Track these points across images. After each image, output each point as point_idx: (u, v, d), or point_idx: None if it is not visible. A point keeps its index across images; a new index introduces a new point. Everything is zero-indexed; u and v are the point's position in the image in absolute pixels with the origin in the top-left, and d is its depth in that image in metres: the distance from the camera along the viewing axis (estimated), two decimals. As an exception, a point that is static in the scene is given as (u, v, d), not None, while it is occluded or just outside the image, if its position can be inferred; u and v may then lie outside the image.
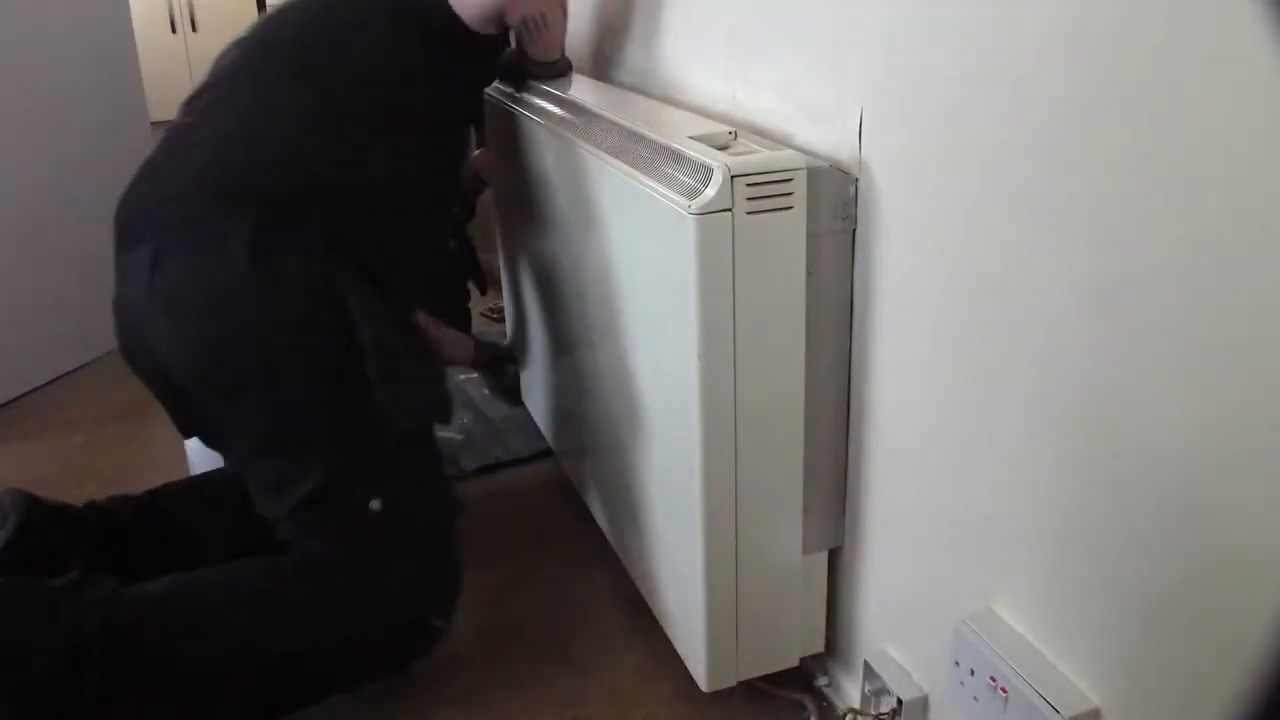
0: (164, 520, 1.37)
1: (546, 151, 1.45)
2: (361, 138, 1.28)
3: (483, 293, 2.23)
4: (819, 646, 1.24)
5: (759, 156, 1.02)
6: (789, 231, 1.02)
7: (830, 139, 1.07)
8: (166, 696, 1.15)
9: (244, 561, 1.24)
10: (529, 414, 1.91)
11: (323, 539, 1.22)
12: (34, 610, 1.11)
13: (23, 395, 2.36)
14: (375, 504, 1.20)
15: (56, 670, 1.09)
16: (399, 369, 1.18)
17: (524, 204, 1.64)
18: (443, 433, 1.85)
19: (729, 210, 0.99)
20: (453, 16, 1.39)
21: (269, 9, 1.45)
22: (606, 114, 1.28)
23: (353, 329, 1.15)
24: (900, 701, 1.08)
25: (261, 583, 1.23)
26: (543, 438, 1.82)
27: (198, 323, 1.16)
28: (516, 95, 1.59)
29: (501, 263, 1.94)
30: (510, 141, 1.63)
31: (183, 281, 1.15)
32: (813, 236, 1.04)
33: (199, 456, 1.59)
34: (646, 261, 1.14)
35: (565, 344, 1.56)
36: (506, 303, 1.95)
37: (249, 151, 1.22)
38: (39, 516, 1.28)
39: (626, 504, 1.37)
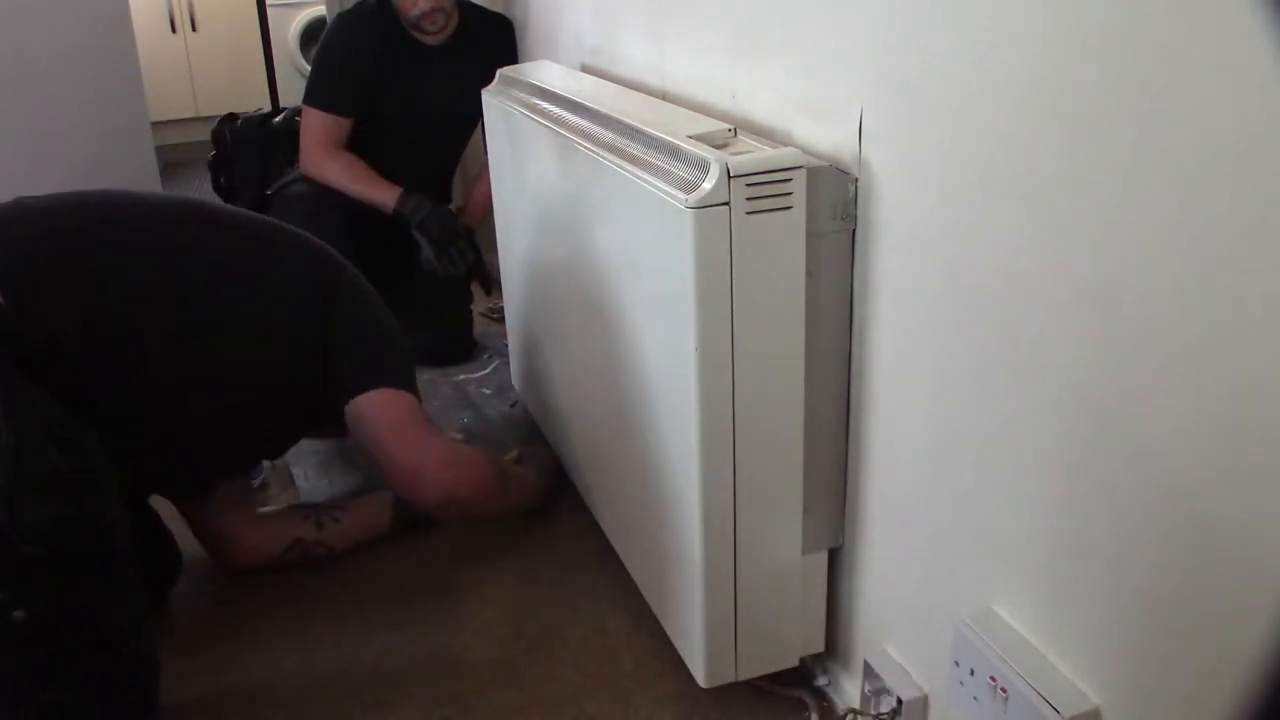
0: None
1: (545, 148, 1.45)
2: None
3: (488, 293, 2.23)
4: (819, 646, 1.24)
5: (758, 155, 1.01)
6: (788, 231, 1.02)
7: (830, 139, 1.07)
8: None
9: None
10: (528, 412, 1.91)
11: None
12: None
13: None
14: (19, 614, 1.07)
15: None
16: (30, 483, 1.06)
17: (523, 200, 1.64)
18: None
19: (726, 204, 0.99)
20: None
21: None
22: (605, 110, 1.28)
23: None
24: (900, 701, 1.08)
25: None
26: (542, 436, 1.82)
27: None
28: (517, 93, 1.59)
29: (500, 260, 1.94)
30: (509, 138, 1.63)
31: None
32: (812, 236, 1.04)
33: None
34: (645, 258, 1.14)
35: (564, 342, 1.56)
36: (507, 301, 1.95)
37: None
38: None
39: (626, 502, 1.37)
